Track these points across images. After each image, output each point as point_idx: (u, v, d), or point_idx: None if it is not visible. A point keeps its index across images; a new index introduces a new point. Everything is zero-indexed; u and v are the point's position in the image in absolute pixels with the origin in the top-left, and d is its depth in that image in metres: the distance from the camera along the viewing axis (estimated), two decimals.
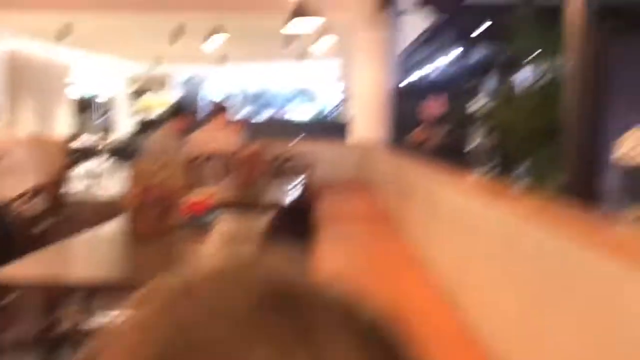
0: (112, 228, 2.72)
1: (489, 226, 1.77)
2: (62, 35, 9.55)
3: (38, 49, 11.88)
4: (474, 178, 2.80)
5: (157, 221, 2.28)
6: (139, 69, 16.26)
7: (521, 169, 3.80)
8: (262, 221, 2.94)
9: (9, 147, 4.26)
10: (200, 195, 2.78)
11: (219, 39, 7.64)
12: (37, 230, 3.18)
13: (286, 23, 5.29)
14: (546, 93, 3.58)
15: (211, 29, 7.50)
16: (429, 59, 16.27)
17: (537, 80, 3.91)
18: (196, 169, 4.86)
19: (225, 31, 7.54)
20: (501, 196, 1.77)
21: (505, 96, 4.45)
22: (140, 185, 2.37)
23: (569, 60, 1.96)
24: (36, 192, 3.79)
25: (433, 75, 17.73)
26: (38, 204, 3.65)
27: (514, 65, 4.91)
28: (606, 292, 1.10)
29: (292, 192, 4.45)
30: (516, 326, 1.53)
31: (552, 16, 3.95)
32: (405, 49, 11.96)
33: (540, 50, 4.02)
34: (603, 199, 1.88)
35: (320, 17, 5.46)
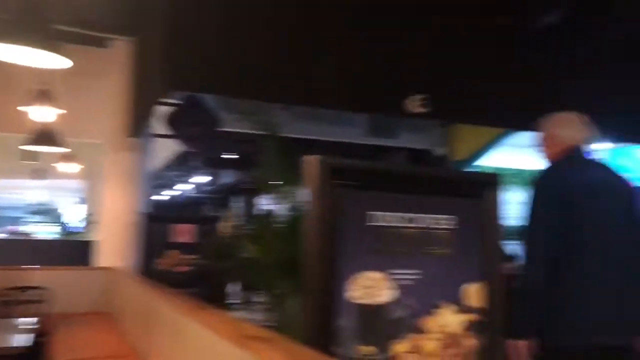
0: None
1: None
2: None
3: None
4: (220, 313, 2.83)
5: None
6: None
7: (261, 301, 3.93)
8: None
9: None
10: None
11: None
12: None
13: (29, 144, 5.00)
14: (284, 227, 3.84)
15: None
16: (179, 181, 16.47)
17: (273, 213, 4.14)
18: None
19: None
20: (252, 339, 1.84)
21: (242, 227, 4.63)
22: None
23: (309, 209, 2.19)
24: None
25: (182, 199, 17.85)
26: None
27: (256, 193, 5.18)
28: None
29: (24, 331, 3.99)
30: None
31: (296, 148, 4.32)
32: (155, 172, 11.97)
33: (279, 181, 4.26)
34: (338, 338, 2.06)
35: (65, 147, 5.29)
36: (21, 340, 3.74)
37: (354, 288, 2.16)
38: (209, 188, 16.42)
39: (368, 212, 2.25)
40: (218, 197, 16.57)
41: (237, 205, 15.30)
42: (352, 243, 2.17)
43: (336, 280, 2.09)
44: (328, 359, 1.62)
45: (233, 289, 5.35)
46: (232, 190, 15.54)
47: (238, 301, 5.13)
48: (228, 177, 15.81)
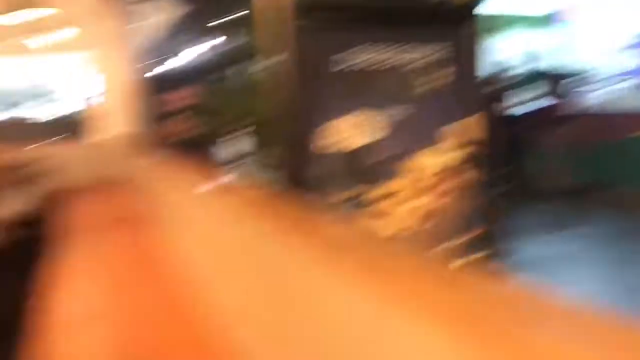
0: None
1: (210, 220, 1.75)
2: None
3: None
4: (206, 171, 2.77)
5: None
6: None
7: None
8: None
9: None
10: None
11: None
12: None
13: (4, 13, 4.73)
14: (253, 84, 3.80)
15: None
16: (180, 48, 15.95)
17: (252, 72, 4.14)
18: None
19: None
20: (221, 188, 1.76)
21: (218, 86, 4.76)
22: None
23: (280, 51, 2.02)
24: None
25: (183, 66, 17.38)
26: None
27: (249, 57, 5.00)
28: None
29: (25, 202, 4.02)
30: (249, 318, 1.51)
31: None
32: (153, 39, 11.54)
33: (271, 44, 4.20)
34: (315, 184, 1.98)
35: (48, 8, 4.97)
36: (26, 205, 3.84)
37: (335, 134, 2.05)
38: (209, 55, 15.91)
39: (346, 52, 2.08)
40: (217, 63, 16.12)
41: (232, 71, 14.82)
42: (328, 87, 2.03)
43: (310, 126, 1.97)
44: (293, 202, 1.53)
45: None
46: (230, 57, 15.06)
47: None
48: (228, 44, 15.20)
